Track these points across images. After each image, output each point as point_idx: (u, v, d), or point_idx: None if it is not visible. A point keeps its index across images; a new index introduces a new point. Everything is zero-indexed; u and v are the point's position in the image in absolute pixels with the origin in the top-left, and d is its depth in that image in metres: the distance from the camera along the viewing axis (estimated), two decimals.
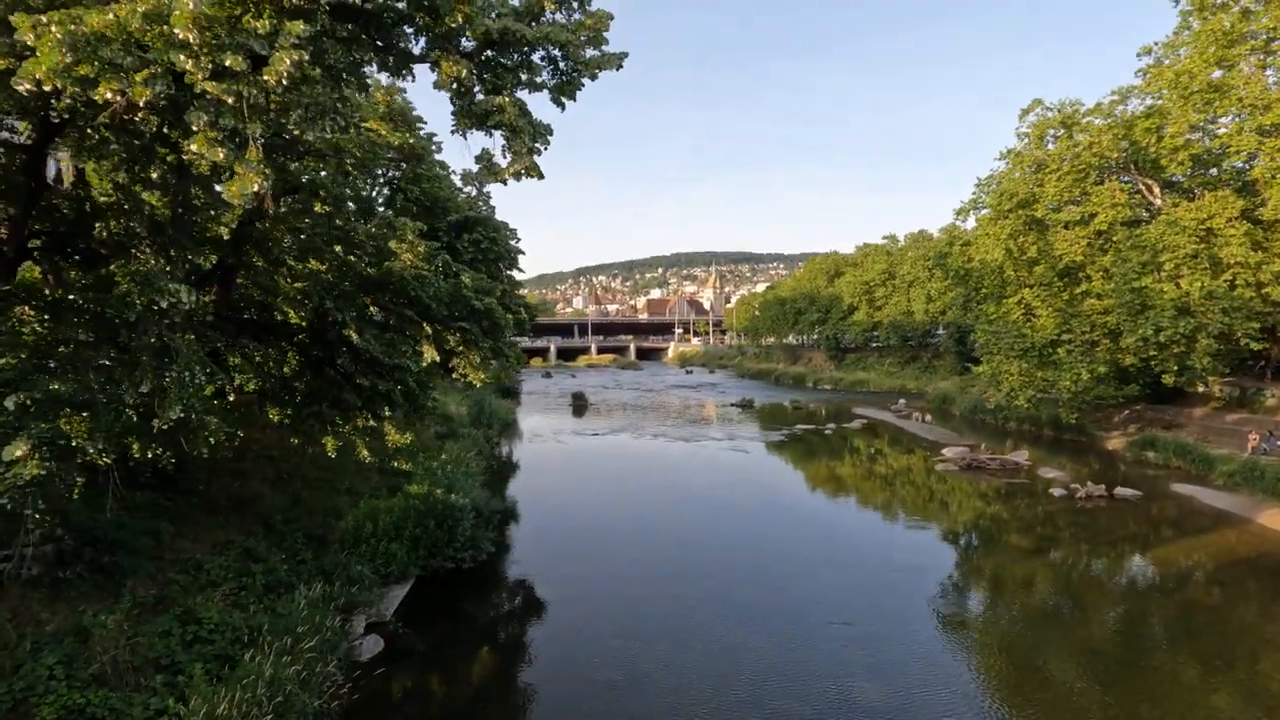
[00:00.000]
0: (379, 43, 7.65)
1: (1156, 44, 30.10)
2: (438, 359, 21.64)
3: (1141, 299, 25.87)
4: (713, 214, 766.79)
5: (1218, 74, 26.72)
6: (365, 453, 15.11)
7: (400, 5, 7.32)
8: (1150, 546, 18.20)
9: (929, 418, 42.65)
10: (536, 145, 8.08)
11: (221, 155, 6.19)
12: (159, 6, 6.18)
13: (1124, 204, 27.96)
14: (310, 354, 14.94)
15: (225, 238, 13.34)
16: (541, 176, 8.18)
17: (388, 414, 15.80)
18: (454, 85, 8.36)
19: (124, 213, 9.02)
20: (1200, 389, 33.01)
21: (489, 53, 7.79)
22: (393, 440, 16.66)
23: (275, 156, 7.48)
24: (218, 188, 12.99)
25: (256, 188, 6.45)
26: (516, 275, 57.22)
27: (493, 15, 7.99)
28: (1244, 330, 24.35)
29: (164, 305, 7.06)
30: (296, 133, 6.64)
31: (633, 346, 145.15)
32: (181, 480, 13.70)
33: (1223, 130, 26.78)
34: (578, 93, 8.92)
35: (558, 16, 8.68)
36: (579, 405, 53.90)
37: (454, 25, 7.30)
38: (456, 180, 48.85)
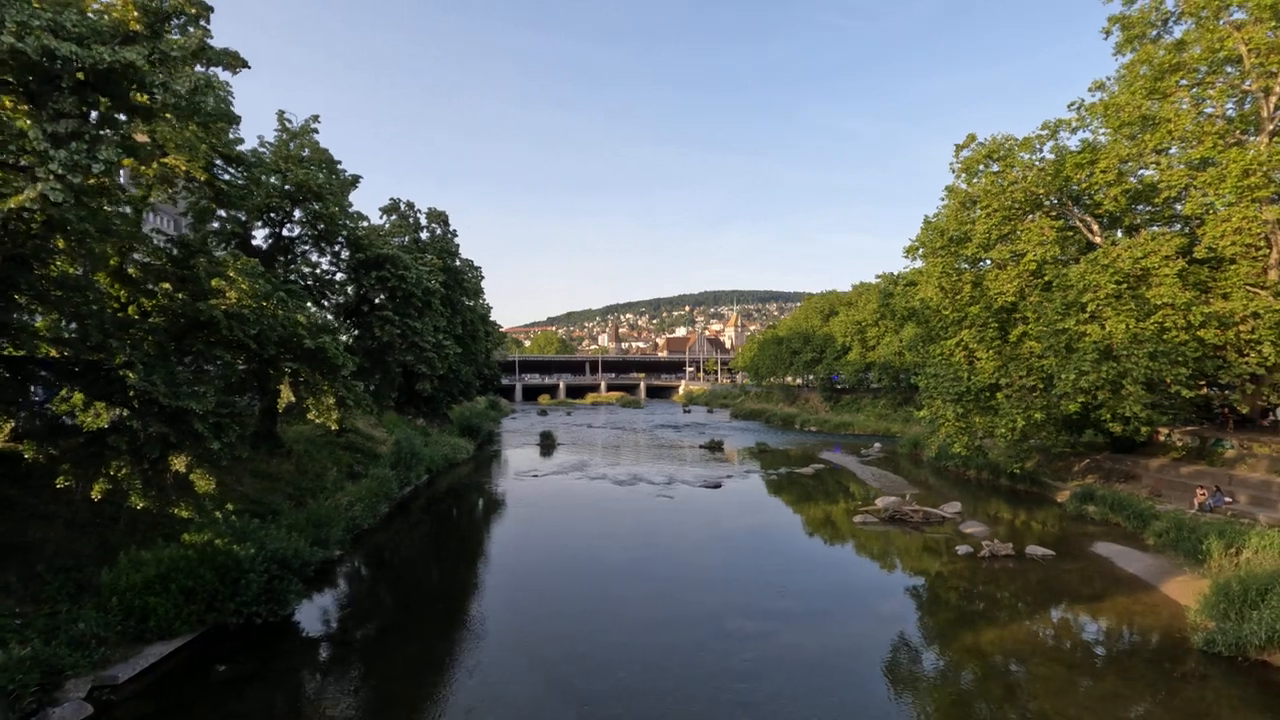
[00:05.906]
0: None
1: (1109, 78, 28.83)
2: (294, 399, 21.13)
3: (1065, 342, 24.15)
4: (742, 253, 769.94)
5: (1155, 107, 25.33)
6: (136, 499, 14.45)
7: None
8: (1019, 614, 16.26)
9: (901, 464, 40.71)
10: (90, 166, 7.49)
11: None
12: None
13: (1053, 241, 26.38)
14: (90, 392, 14.46)
15: None
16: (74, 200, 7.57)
17: (178, 457, 15.16)
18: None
19: None
20: (1161, 438, 30.66)
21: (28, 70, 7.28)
22: (200, 487, 15.95)
23: None
24: None
25: None
26: (488, 310, 57.07)
27: (45, 37, 7.47)
28: (1173, 376, 22.39)
29: None
30: None
31: (643, 385, 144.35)
32: None
33: (1157, 164, 25.22)
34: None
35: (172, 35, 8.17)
36: (546, 444, 53.20)
37: None
38: (423, 219, 49.39)
